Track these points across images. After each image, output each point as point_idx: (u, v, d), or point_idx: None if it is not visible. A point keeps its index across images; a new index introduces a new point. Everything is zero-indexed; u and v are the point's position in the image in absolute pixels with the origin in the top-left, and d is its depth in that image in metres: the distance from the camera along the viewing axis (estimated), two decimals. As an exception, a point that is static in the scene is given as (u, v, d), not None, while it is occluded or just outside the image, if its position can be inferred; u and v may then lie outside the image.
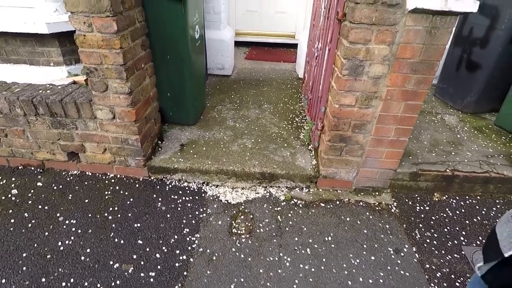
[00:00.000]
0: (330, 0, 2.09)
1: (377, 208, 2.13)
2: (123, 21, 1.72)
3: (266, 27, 4.56)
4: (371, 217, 2.06)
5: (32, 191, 2.15)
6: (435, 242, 1.92)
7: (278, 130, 2.67)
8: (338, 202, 2.17)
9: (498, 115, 2.86)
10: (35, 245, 1.79)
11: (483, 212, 2.16)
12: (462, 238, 1.96)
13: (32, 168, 2.34)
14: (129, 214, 2.01)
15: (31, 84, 2.20)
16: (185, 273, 1.67)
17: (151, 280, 1.63)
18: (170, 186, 2.23)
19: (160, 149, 2.36)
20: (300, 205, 2.13)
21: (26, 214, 1.98)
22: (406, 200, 2.22)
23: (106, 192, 2.16)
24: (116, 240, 1.84)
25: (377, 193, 2.24)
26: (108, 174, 2.30)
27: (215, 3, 3.33)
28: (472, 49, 2.88)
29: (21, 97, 1.98)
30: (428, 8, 1.50)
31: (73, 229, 1.90)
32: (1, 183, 2.21)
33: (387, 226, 2.00)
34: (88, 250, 1.77)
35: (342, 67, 1.73)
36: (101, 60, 1.76)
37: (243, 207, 2.10)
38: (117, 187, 2.21)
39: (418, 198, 2.24)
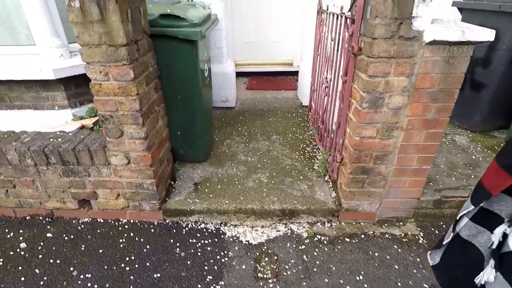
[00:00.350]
0: (339, 33, 2.12)
1: (404, 240, 2.06)
2: (139, 68, 1.70)
3: (264, 57, 4.64)
4: (399, 250, 1.98)
5: (41, 243, 2.04)
6: (471, 274, 1.83)
7: (291, 162, 2.63)
8: (363, 236, 2.09)
9: (508, 132, 2.87)
10: (49, 306, 1.66)
11: None
12: (497, 267, 1.87)
13: (41, 218, 2.23)
14: (147, 263, 1.90)
15: (40, 132, 2.15)
16: (214, 328, 1.55)
17: None
18: (187, 229, 2.14)
19: (173, 190, 2.29)
20: (325, 242, 2.04)
21: (37, 270, 1.86)
22: (432, 229, 2.15)
23: (121, 240, 2.06)
24: (136, 294, 1.72)
25: (401, 223, 2.18)
26: (121, 220, 2.21)
27: (217, 38, 3.39)
28: (475, 69, 2.93)
29: (32, 147, 1.92)
30: (446, 40, 1.52)
31: (89, 284, 1.78)
32: (9, 236, 2.10)
33: (418, 260, 1.92)
34: (107, 309, 1.65)
35: (362, 100, 1.71)
36: (116, 107, 1.73)
37: (265, 247, 2.01)
38: (132, 234, 2.10)
39: (444, 226, 2.18)
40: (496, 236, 0.86)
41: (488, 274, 0.85)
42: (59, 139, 2.01)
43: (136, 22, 1.67)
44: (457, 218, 1.00)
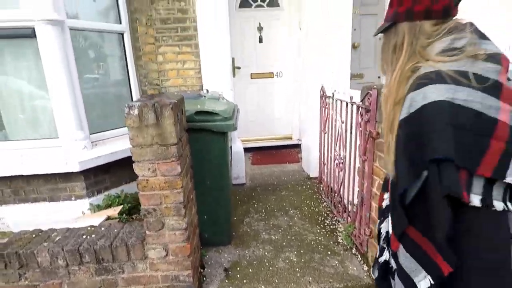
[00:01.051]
0: (350, 118, 2.40)
1: (445, 312, 2.04)
2: (183, 161, 1.83)
3: (265, 132, 4.96)
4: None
5: None
6: None
7: (315, 237, 2.66)
8: (404, 312, 2.05)
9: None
10: None
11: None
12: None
13: (61, 325, 2.05)
14: None
15: (70, 228, 2.13)
16: None
17: None
18: (224, 322, 2.03)
19: (205, 278, 2.22)
20: (369, 322, 1.99)
21: None
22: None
23: None
24: None
25: (437, 294, 2.17)
26: (152, 318, 2.07)
27: (227, 121, 3.66)
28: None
29: (66, 247, 1.89)
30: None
31: None
32: None
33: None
34: None
35: (387, 178, 1.88)
36: (160, 201, 1.80)
37: (310, 335, 1.92)
38: (165, 334, 1.96)
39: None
40: None
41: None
42: (93, 235, 2.00)
43: (181, 121, 1.86)
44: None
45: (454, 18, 0.91)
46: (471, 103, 0.79)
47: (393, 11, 0.95)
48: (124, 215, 2.84)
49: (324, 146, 3.22)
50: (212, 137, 2.18)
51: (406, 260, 0.93)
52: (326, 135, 3.10)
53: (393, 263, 1.04)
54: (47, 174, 2.77)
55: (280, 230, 2.79)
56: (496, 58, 0.83)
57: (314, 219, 2.95)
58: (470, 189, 0.82)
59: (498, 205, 0.83)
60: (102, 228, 2.09)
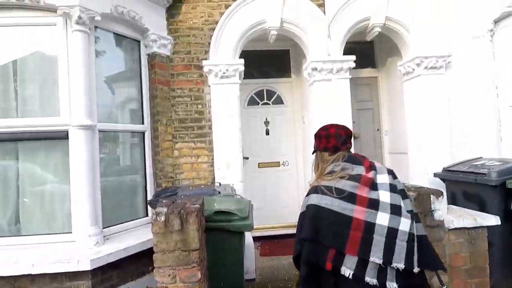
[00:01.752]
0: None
1: None
2: (203, 267, 1.84)
3: (272, 221, 4.94)
4: None
5: None
6: None
7: None
8: None
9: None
10: None
11: None
12: None
13: None
14: None
15: None
16: None
17: None
18: None
19: None
20: None
21: None
22: None
23: None
24: None
25: None
26: None
27: (237, 211, 3.71)
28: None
29: None
30: (463, 226, 1.86)
31: None
32: None
33: None
34: None
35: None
36: (178, 310, 1.74)
37: None
38: None
39: None
40: None
41: None
42: None
43: (202, 224, 1.93)
44: None
45: (340, 152, 1.41)
46: (331, 206, 1.24)
47: (314, 144, 1.53)
48: (128, 318, 2.67)
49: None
50: (229, 237, 2.22)
51: None
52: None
53: None
54: (55, 273, 2.70)
55: (296, 338, 2.56)
56: (356, 177, 1.29)
57: (332, 323, 2.73)
58: (342, 263, 1.20)
59: (370, 280, 1.16)
60: None
